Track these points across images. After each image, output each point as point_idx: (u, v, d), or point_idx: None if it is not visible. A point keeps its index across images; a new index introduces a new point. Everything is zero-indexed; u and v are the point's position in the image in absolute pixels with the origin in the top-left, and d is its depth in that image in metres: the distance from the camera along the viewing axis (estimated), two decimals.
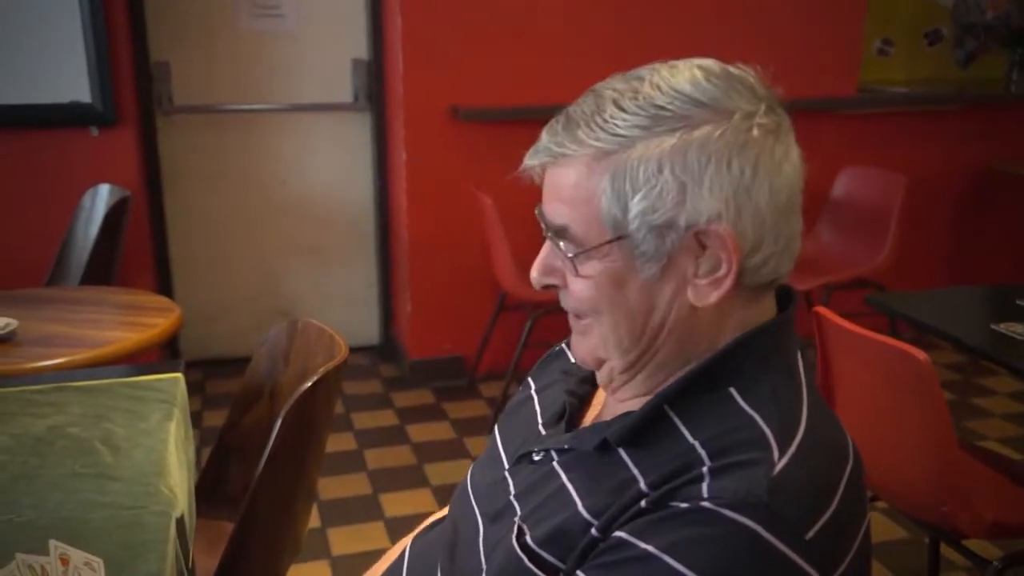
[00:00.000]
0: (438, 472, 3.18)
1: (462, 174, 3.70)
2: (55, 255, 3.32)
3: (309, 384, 1.58)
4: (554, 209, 0.88)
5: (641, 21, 3.73)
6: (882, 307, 2.49)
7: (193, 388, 3.30)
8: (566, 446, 0.94)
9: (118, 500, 1.37)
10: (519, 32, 3.67)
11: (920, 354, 1.78)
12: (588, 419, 1.01)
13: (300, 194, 4.06)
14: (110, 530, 1.29)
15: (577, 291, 0.89)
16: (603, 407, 0.99)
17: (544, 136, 0.89)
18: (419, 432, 3.49)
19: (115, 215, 3.16)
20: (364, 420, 3.57)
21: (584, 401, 1.04)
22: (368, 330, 4.25)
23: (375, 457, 3.29)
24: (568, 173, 0.86)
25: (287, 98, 3.96)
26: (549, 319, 3.34)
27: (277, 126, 4.00)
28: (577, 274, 0.88)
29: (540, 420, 1.05)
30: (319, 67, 3.96)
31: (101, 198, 3.34)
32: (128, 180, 3.52)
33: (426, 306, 3.89)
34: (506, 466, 1.02)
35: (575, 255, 0.87)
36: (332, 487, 3.07)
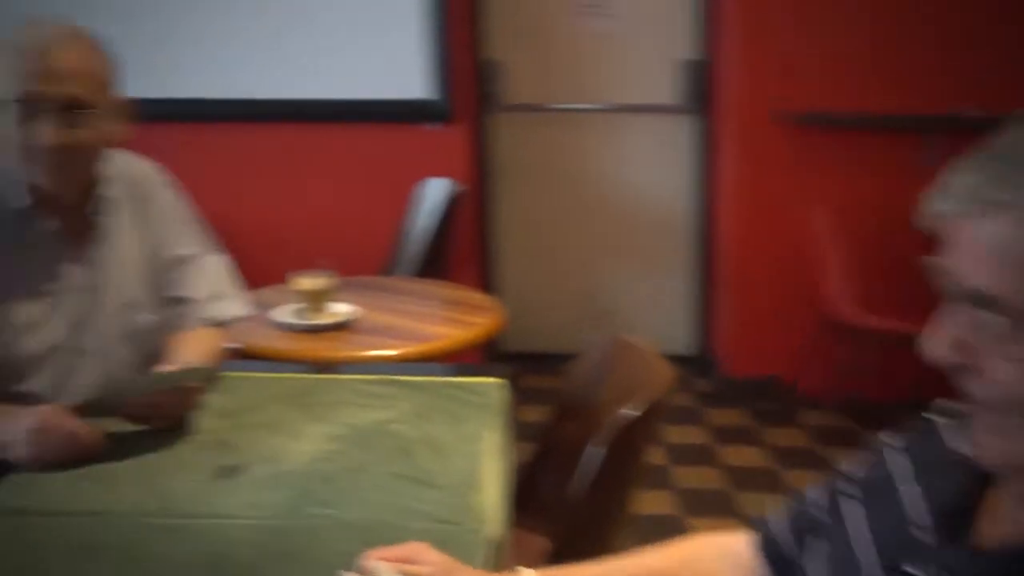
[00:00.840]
0: (752, 503, 2.95)
1: (795, 184, 3.46)
2: (390, 245, 3.48)
3: (639, 413, 1.48)
4: (980, 271, 0.69)
5: None
6: None
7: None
8: (962, 568, 0.75)
9: (434, 511, 1.33)
10: (872, 30, 3.34)
11: None
12: (984, 527, 0.79)
13: (621, 196, 4.00)
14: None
15: (1007, 379, 0.69)
16: (1010, 520, 0.77)
17: (962, 177, 0.70)
18: (732, 455, 3.29)
19: (450, 209, 3.25)
20: (674, 435, 3.42)
21: (975, 497, 0.81)
22: (682, 339, 4.10)
23: (683, 475, 3.15)
24: (1004, 228, 0.68)
25: (612, 98, 3.90)
26: (883, 348, 3.02)
27: (601, 126, 3.96)
28: (1008, 357, 0.69)
29: (913, 515, 0.84)
30: (645, 67, 3.86)
31: (437, 192, 3.45)
32: (460, 175, 3.62)
33: (746, 321, 3.69)
34: (868, 570, 0.83)
35: (1011, 333, 0.68)
36: (636, 502, 2.96)
